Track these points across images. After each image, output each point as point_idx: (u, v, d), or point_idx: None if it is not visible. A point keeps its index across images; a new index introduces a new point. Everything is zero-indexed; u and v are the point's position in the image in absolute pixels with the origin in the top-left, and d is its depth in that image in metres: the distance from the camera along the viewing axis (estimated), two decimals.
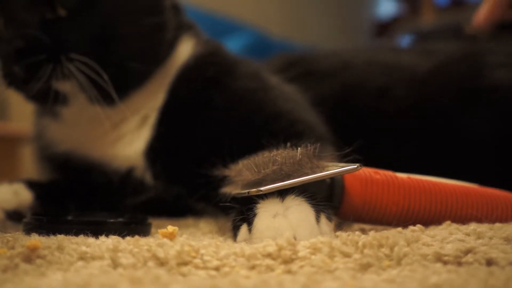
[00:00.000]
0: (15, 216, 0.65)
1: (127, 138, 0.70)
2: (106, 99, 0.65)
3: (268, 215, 0.46)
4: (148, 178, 0.69)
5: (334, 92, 0.82)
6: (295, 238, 0.43)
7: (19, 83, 0.64)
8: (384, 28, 3.04)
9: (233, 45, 1.47)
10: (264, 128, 0.66)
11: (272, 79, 0.76)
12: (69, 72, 0.61)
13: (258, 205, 0.47)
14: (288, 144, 0.51)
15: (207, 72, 0.70)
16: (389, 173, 0.52)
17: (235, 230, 0.49)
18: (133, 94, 0.68)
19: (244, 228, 0.47)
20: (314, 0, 2.94)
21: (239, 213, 0.49)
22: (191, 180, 0.64)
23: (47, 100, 0.64)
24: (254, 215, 0.46)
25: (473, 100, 0.78)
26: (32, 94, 0.64)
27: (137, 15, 0.66)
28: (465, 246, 0.40)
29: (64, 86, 0.64)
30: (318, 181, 0.48)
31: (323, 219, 0.47)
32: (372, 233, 0.43)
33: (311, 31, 2.76)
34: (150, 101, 0.70)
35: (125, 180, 0.69)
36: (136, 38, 0.66)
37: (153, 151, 0.68)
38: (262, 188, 0.46)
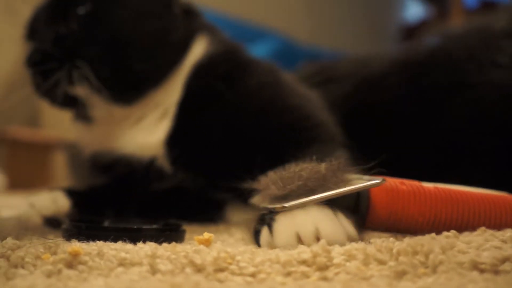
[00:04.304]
0: (52, 222, 0.67)
1: (149, 129, 0.74)
2: (120, 99, 0.73)
3: (289, 215, 0.47)
4: (168, 166, 0.73)
5: (349, 92, 0.85)
6: (318, 234, 0.45)
7: (41, 91, 0.73)
8: (412, 32, 3.01)
9: (260, 52, 1.49)
10: (276, 121, 0.71)
11: (289, 80, 0.79)
12: (76, 78, 0.69)
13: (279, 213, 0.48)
14: (314, 157, 0.52)
15: (218, 69, 0.75)
16: (415, 183, 0.52)
17: (256, 234, 0.50)
18: (150, 92, 0.74)
19: (265, 230, 0.48)
20: (340, 5, 2.93)
21: (260, 218, 0.50)
22: (209, 169, 0.70)
23: (67, 104, 0.74)
24: (274, 220, 0.48)
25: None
26: (52, 99, 0.74)
27: (143, 23, 0.72)
28: (502, 254, 0.40)
29: (77, 91, 0.71)
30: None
31: (340, 215, 0.48)
32: (406, 239, 0.43)
33: (338, 36, 2.75)
34: (169, 97, 0.74)
35: (148, 169, 0.73)
36: (143, 44, 0.72)
37: (172, 140, 0.73)
38: (286, 205, 0.47)
